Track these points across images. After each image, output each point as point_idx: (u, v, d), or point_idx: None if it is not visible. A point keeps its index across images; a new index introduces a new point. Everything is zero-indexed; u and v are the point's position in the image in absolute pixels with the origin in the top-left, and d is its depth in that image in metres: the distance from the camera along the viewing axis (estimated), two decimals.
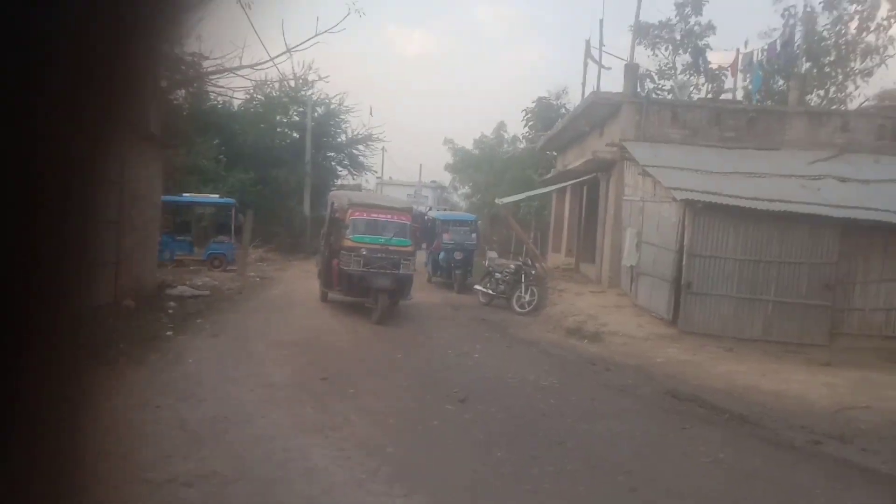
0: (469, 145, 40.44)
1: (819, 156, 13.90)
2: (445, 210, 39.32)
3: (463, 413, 6.67)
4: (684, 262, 11.15)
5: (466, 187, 44.20)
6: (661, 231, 12.13)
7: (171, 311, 10.71)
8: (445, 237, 17.52)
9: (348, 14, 17.31)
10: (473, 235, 18.15)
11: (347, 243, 11.45)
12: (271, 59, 17.02)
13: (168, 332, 9.24)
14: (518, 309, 13.84)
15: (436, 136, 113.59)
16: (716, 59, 22.31)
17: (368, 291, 11.21)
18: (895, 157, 13.90)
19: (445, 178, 52.95)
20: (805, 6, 21.27)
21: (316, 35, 16.97)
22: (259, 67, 16.70)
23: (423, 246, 19.90)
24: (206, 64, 18.16)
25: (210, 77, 15.44)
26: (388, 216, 12.05)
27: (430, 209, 40.51)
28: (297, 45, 18.59)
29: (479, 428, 6.21)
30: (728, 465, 5.63)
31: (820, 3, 22.13)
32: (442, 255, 17.34)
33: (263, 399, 6.53)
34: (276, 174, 25.04)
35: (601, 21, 18.43)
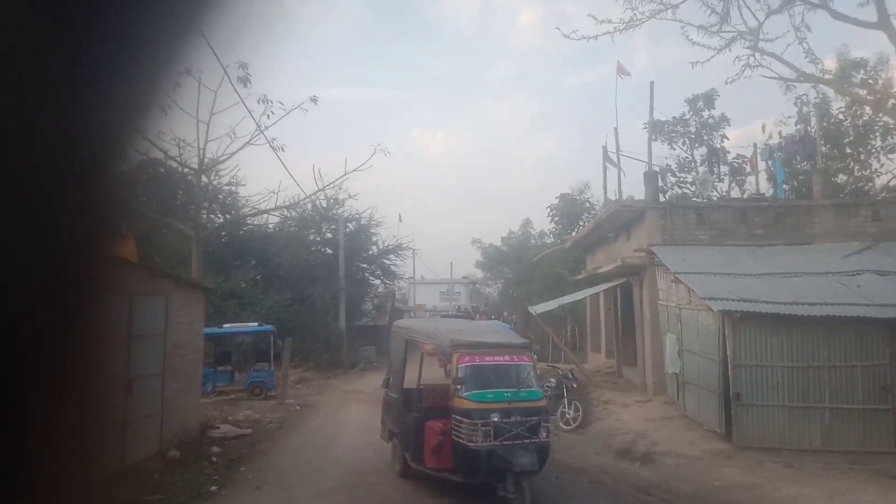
0: (497, 242, 41.04)
1: (852, 248, 13.70)
2: (473, 307, 39.33)
3: None
4: (730, 373, 10.83)
5: (499, 283, 44.39)
6: (702, 339, 11.89)
7: (215, 459, 10.69)
8: None
9: (374, 153, 18.34)
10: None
11: (464, 404, 8.03)
12: (308, 197, 17.94)
13: (213, 487, 9.18)
14: (563, 426, 13.44)
15: (463, 233, 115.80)
16: (734, 142, 22.57)
17: (501, 474, 7.75)
18: None
19: (476, 274, 53.39)
20: (817, 94, 21.68)
21: (345, 174, 17.93)
22: (294, 207, 17.55)
23: None
24: (242, 200, 19.23)
25: (247, 217, 16.24)
26: (507, 357, 8.61)
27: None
28: (328, 185, 19.67)
29: None
30: None
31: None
32: None
33: None
34: (312, 292, 25.56)
35: (615, 129, 18.99)
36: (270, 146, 14.38)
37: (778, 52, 15.67)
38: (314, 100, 15.14)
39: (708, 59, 15.38)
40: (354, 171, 18.67)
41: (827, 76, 19.25)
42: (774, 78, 16.16)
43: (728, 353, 10.86)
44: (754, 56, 15.13)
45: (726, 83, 16.01)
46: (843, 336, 10.53)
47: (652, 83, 17.99)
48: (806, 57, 15.84)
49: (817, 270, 12.61)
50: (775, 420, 10.59)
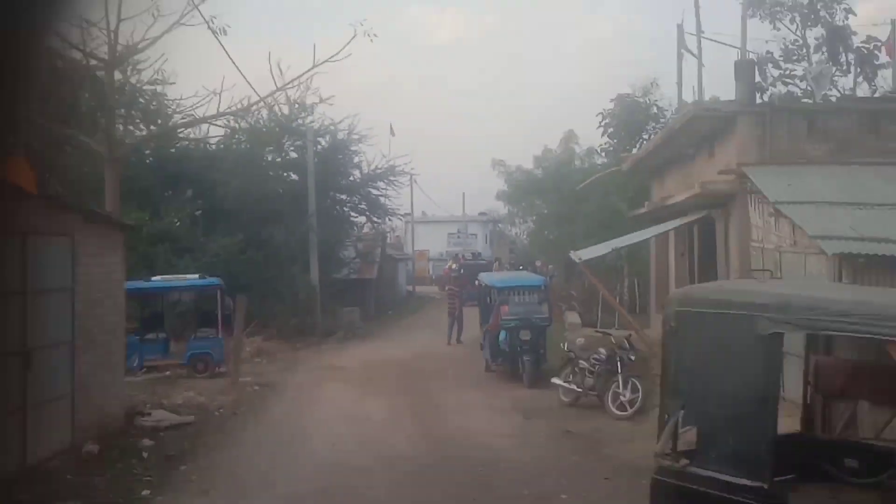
0: (528, 164, 40.74)
1: None
2: (497, 262, 39.46)
3: None
4: None
5: (529, 221, 44.39)
6: None
7: (145, 455, 10.99)
8: (505, 310, 17.55)
9: (354, 36, 18.04)
10: (543, 305, 18.13)
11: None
12: (261, 99, 17.68)
13: (144, 492, 9.46)
14: (616, 411, 13.69)
15: (481, 154, 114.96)
16: (863, 20, 22.10)
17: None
18: None
19: (499, 209, 53.32)
20: None
21: (314, 67, 17.69)
22: (243, 113, 17.40)
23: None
24: (172, 106, 19.11)
25: (180, 129, 16.17)
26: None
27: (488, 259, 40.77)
28: (291, 82, 19.30)
29: None
30: None
31: None
32: (503, 335, 17.35)
33: None
34: (272, 233, 25.71)
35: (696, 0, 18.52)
36: (209, 27, 14.17)
37: None
38: None
39: None
40: (327, 61, 18.37)
41: None
42: None
43: None
44: None
45: None
46: None
47: None
48: None
49: None
50: None
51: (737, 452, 5.13)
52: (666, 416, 5.49)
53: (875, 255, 10.71)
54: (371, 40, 19.33)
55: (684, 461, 5.20)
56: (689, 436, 5.30)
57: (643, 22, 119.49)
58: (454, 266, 31.55)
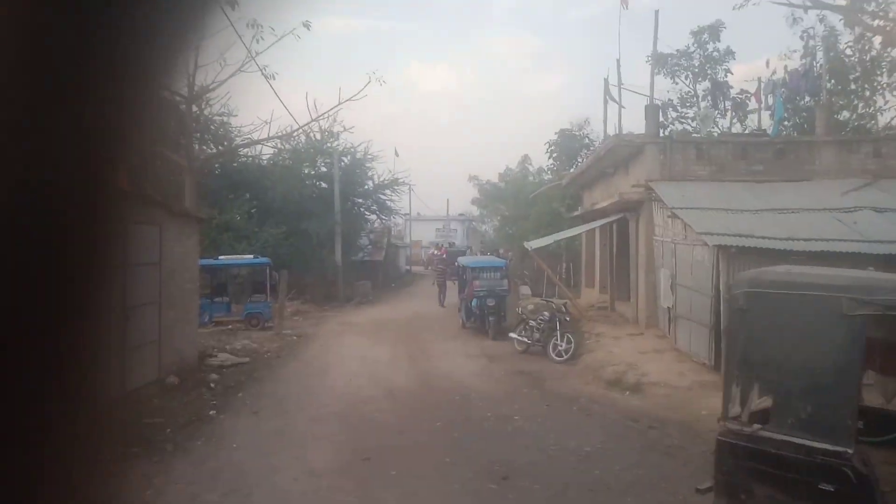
0: (495, 179, 40.70)
1: (852, 185, 13.61)
2: (470, 249, 39.41)
3: (506, 493, 6.61)
4: (722, 307, 10.93)
5: (495, 220, 44.33)
6: (695, 274, 11.96)
7: (213, 386, 10.90)
8: (476, 284, 17.52)
9: (369, 82, 17.84)
10: (504, 280, 18.11)
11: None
12: (300, 128, 17.56)
13: (211, 412, 9.39)
14: (555, 357, 13.71)
15: (461, 170, 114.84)
16: (738, 77, 22.11)
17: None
18: None
19: (473, 211, 53.29)
20: (824, 28, 21.07)
21: (339, 104, 17.51)
22: (286, 137, 17.17)
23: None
24: (235, 136, 18.84)
25: (240, 148, 15.91)
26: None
27: (460, 246, 40.67)
28: (322, 115, 19.11)
29: None
30: None
31: (840, 20, 21.91)
32: (474, 302, 17.33)
33: (308, 490, 6.57)
34: (307, 226, 25.45)
35: (618, 61, 18.45)
36: (262, 73, 13.97)
37: None
38: (307, 25, 14.54)
39: None
40: (349, 100, 18.19)
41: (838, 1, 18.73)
42: (783, 4, 15.64)
43: (722, 287, 10.93)
44: None
45: (734, 9, 15.55)
46: None
47: (657, 11, 17.42)
48: None
49: (814, 207, 12.57)
50: None
51: (817, 419, 4.23)
52: (734, 385, 4.63)
53: (743, 247, 10.78)
54: (381, 85, 19.12)
55: (756, 426, 4.39)
56: (760, 403, 4.47)
57: (581, 76, 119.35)
58: (436, 252, 31.63)
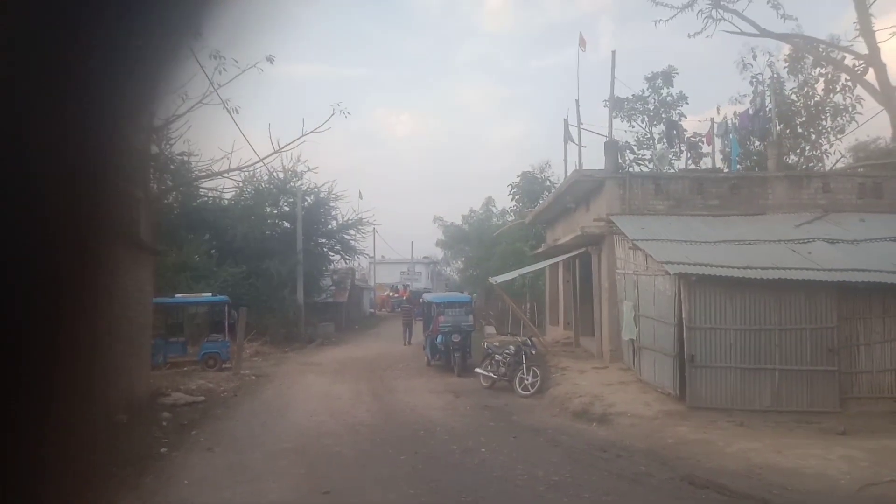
0: (458, 221, 40.95)
1: (804, 218, 14.06)
2: (428, 291, 39.22)
3: None
4: (685, 336, 11.00)
5: (459, 262, 44.44)
6: (658, 304, 12.05)
7: (164, 424, 10.37)
8: (441, 320, 17.32)
9: (333, 114, 17.84)
10: (469, 316, 17.97)
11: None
12: (261, 160, 17.34)
13: (162, 449, 8.89)
14: (521, 391, 13.53)
15: (426, 214, 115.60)
16: (691, 126, 22.98)
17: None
18: (878, 214, 14.08)
19: (437, 254, 53.37)
20: (772, 74, 22.15)
21: (302, 136, 17.40)
22: (247, 169, 16.97)
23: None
24: (195, 168, 18.57)
25: (200, 181, 15.61)
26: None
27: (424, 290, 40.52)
28: (285, 147, 18.92)
29: None
30: None
31: (785, 68, 23.10)
32: (440, 338, 17.08)
33: None
34: (268, 265, 25.02)
35: (577, 101, 18.98)
36: (224, 106, 13.81)
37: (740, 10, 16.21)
38: (270, 59, 14.45)
39: (671, 18, 15.69)
40: (313, 132, 18.02)
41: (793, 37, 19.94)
42: (736, 33, 16.45)
43: (683, 316, 11.02)
44: (717, 10, 15.66)
45: (689, 36, 16.43)
46: (793, 300, 10.80)
47: (614, 52, 18.34)
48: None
49: (770, 238, 12.90)
50: (727, 381, 10.82)
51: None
52: None
53: (702, 275, 10.93)
54: (345, 117, 19.13)
55: None
56: None
57: (542, 122, 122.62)
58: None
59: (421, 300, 21.55)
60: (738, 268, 11.10)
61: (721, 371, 10.85)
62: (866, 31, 20.61)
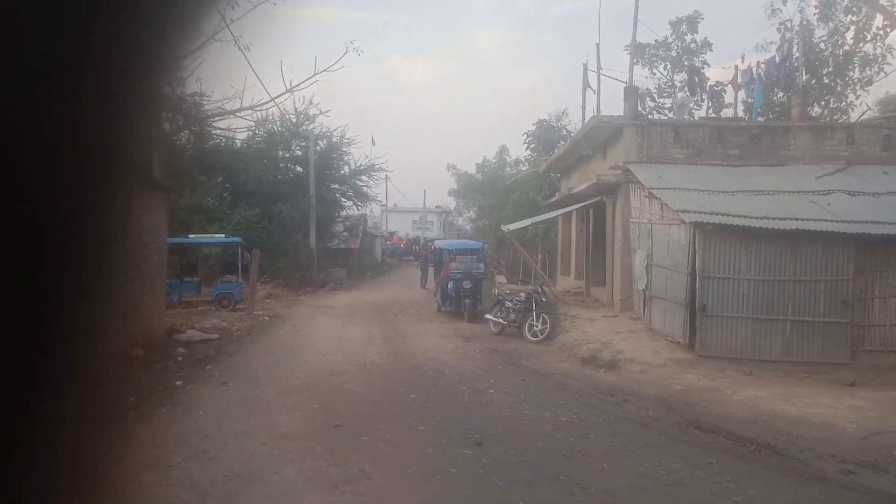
0: (472, 170, 40.61)
1: (825, 170, 13.76)
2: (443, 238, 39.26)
3: (481, 458, 6.47)
4: (697, 285, 10.95)
5: (471, 211, 44.27)
6: (672, 254, 11.96)
7: (180, 359, 10.59)
8: (452, 266, 17.35)
9: (346, 52, 17.45)
10: (481, 264, 17.98)
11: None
12: (272, 100, 17.07)
13: (178, 382, 9.10)
14: (530, 338, 13.63)
15: (439, 162, 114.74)
16: (714, 75, 22.35)
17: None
18: None
19: (450, 203, 53.22)
20: (801, 20, 21.31)
21: (315, 74, 17.06)
22: (259, 108, 16.77)
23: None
24: (207, 107, 18.35)
25: (211, 120, 15.47)
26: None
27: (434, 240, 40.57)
28: (297, 85, 18.61)
29: (499, 474, 6.01)
30: None
31: (815, 14, 22.20)
32: (450, 284, 17.15)
33: (275, 453, 6.35)
34: (281, 209, 25.05)
35: (597, 45, 18.42)
36: (236, 43, 13.50)
37: None
38: None
39: None
40: (325, 70, 17.69)
41: None
42: None
43: (697, 265, 10.95)
44: None
45: None
46: (809, 251, 10.67)
47: None
48: None
49: (789, 189, 12.67)
50: (738, 331, 10.82)
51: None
52: None
53: (719, 224, 10.80)
54: (359, 55, 18.74)
55: None
56: None
57: (560, 71, 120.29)
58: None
59: (432, 247, 21.57)
60: (755, 217, 10.94)
61: (732, 321, 10.83)
62: None
